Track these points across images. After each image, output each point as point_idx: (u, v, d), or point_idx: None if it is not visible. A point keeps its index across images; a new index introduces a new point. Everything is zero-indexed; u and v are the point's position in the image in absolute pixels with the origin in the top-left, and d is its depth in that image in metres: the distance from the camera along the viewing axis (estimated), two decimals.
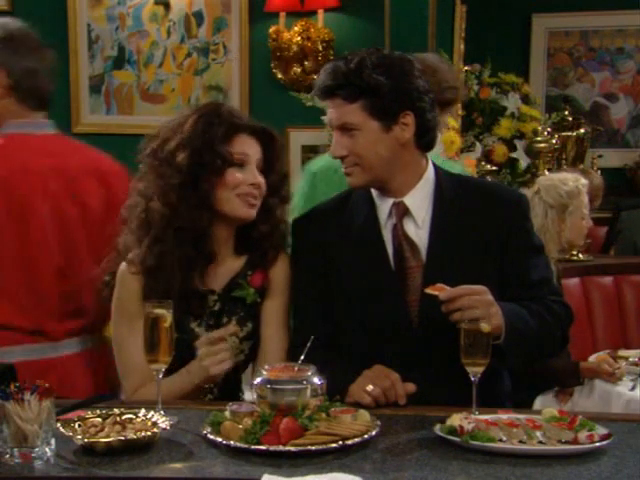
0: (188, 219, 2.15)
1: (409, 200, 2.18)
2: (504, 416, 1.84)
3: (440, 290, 1.95)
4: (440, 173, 2.25)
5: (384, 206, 2.20)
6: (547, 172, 4.57)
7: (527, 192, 3.61)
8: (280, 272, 2.26)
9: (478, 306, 1.94)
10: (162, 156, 2.17)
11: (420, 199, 2.19)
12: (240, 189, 2.17)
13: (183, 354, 2.15)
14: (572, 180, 3.62)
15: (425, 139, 2.18)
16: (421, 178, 2.20)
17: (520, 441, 1.72)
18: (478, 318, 1.92)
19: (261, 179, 2.20)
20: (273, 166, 2.25)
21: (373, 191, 2.22)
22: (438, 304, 1.96)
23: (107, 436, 1.72)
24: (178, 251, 2.16)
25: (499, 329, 1.99)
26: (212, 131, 2.15)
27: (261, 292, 2.24)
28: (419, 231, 2.18)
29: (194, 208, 2.15)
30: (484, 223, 2.17)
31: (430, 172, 2.22)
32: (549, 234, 3.50)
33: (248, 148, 2.20)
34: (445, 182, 2.22)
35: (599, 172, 5.40)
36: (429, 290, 1.97)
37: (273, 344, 2.23)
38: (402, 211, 2.18)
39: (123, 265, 2.22)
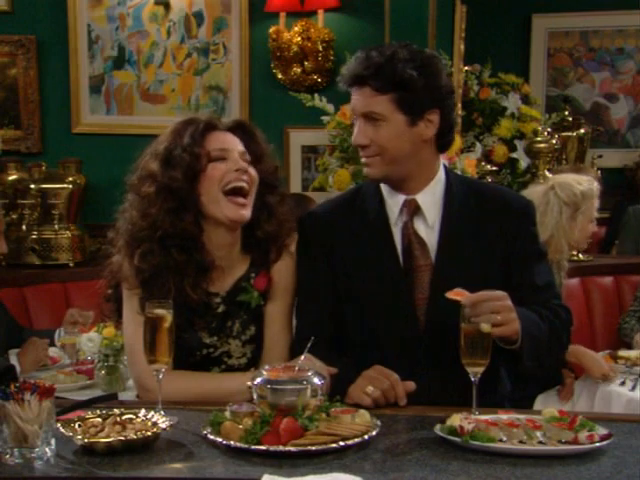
0: (169, 224, 2.11)
1: (421, 198, 2.18)
2: (504, 416, 1.84)
3: (460, 295, 1.93)
4: (451, 175, 2.25)
5: (394, 203, 2.20)
6: (547, 172, 4.57)
7: (539, 188, 3.62)
8: (284, 274, 2.24)
9: (500, 311, 1.94)
10: (139, 174, 2.17)
11: (431, 199, 2.19)
12: (225, 178, 2.12)
13: (186, 357, 2.15)
14: (586, 181, 3.63)
15: (445, 139, 2.20)
16: (433, 178, 2.20)
17: (520, 441, 1.72)
18: (500, 324, 1.92)
19: (246, 166, 2.15)
20: (261, 158, 2.21)
21: (383, 188, 2.22)
22: (446, 305, 1.94)
23: (107, 436, 1.72)
24: (168, 260, 2.13)
25: (516, 334, 1.98)
26: (182, 135, 2.14)
27: (265, 295, 2.23)
28: (429, 231, 2.18)
29: (173, 211, 2.12)
30: (492, 227, 2.18)
31: (442, 173, 2.22)
32: (562, 231, 3.48)
33: (225, 142, 2.16)
34: (455, 184, 2.23)
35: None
36: (449, 295, 1.94)
37: (276, 346, 2.22)
38: (413, 209, 2.18)
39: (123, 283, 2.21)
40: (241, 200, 2.14)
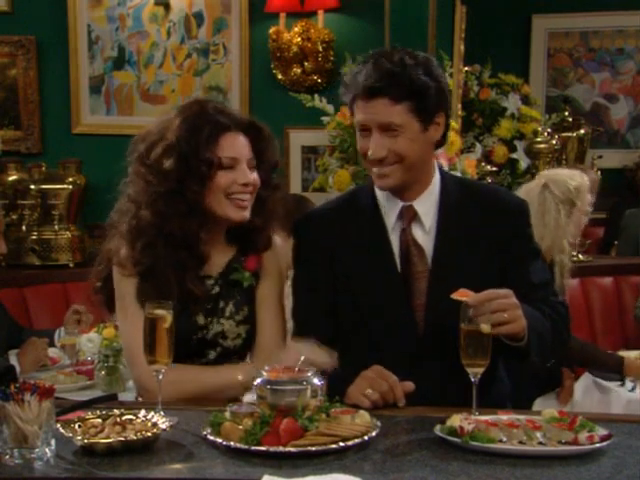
0: (178, 226, 2.14)
1: (418, 205, 2.18)
2: (504, 417, 1.83)
3: (465, 295, 1.92)
4: (445, 176, 2.25)
5: (392, 209, 2.19)
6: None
7: (533, 185, 3.58)
8: (273, 256, 2.28)
9: (506, 309, 1.94)
10: (149, 162, 2.16)
11: (428, 204, 2.18)
12: (231, 189, 2.16)
13: (183, 342, 2.15)
14: (578, 176, 3.58)
15: (444, 138, 2.20)
16: (431, 182, 2.20)
17: (520, 442, 1.72)
18: (507, 322, 1.92)
19: (253, 177, 2.19)
20: (263, 157, 2.24)
21: (379, 194, 2.21)
22: (445, 309, 1.93)
23: (107, 437, 1.72)
24: (170, 256, 2.15)
25: (523, 331, 1.98)
26: (197, 135, 2.13)
27: (256, 276, 2.26)
28: (426, 236, 2.17)
29: (183, 215, 2.14)
30: (487, 228, 2.17)
31: (437, 176, 2.22)
32: (562, 230, 3.41)
33: (236, 149, 2.17)
34: (450, 185, 2.22)
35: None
36: (455, 296, 1.93)
37: (269, 327, 2.25)
38: (411, 215, 2.18)
39: (116, 269, 2.21)
40: (243, 203, 2.18)
